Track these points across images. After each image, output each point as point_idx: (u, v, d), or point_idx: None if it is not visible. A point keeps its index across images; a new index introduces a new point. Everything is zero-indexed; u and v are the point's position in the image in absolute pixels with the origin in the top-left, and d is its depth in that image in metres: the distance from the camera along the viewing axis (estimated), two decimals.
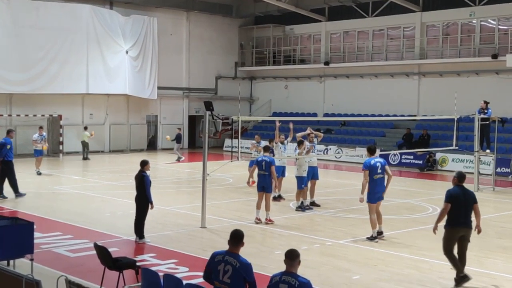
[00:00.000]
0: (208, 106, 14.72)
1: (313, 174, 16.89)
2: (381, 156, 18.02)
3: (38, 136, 23.70)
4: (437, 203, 18.18)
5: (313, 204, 17.00)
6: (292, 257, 6.30)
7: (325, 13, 36.64)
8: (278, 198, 17.72)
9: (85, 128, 30.84)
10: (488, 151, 21.70)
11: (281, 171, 17.83)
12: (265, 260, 10.59)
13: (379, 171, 12.69)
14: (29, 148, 25.64)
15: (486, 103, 21.48)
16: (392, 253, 11.88)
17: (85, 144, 29.93)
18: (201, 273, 7.11)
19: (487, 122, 21.30)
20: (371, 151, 13.04)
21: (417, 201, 18.61)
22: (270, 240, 13.16)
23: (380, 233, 13.05)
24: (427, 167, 27.91)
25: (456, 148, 20.23)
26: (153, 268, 8.98)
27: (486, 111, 21.23)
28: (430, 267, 10.89)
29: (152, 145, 36.46)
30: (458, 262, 9.64)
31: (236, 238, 6.78)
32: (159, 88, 35.28)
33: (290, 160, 19.51)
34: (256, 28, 40.11)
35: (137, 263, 9.25)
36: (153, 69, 34.96)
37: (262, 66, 39.60)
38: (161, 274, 7.76)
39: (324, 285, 9.61)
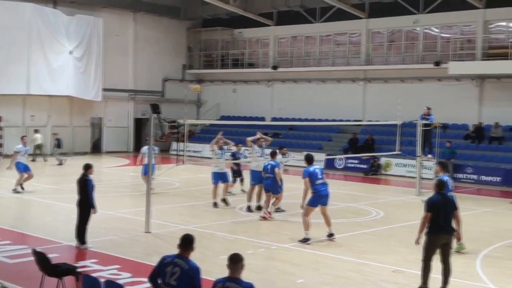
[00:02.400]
0: (155, 109, 14.55)
1: (260, 178, 16.96)
2: (327, 160, 18.28)
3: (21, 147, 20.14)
4: (381, 207, 18.52)
5: (259, 208, 17.02)
6: (235, 261, 6.26)
7: (274, 17, 36.84)
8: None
9: (36, 131, 30.13)
10: (430, 156, 22.18)
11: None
12: (209, 265, 10.50)
13: (319, 176, 13.08)
14: None
15: (429, 109, 21.98)
16: (335, 256, 11.98)
17: (39, 147, 29.34)
18: (145, 279, 7.01)
19: (430, 128, 21.78)
20: (309, 160, 13.40)
21: (362, 205, 18.86)
22: (215, 245, 13.08)
23: (331, 235, 13.33)
24: (372, 172, 28.37)
25: (400, 153, 20.63)
26: (95, 274, 8.79)
27: (428, 117, 21.70)
28: (371, 270, 11.03)
29: (96, 148, 35.79)
30: (428, 275, 9.49)
31: (186, 242, 6.74)
32: (104, 90, 34.68)
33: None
34: (204, 31, 39.98)
35: (78, 269, 9.02)
36: (98, 70, 34.35)
37: (210, 69, 39.50)
38: (102, 280, 7.59)
39: None
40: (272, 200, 16.32)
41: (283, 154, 17.54)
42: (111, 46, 35.37)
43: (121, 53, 36.37)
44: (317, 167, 13.38)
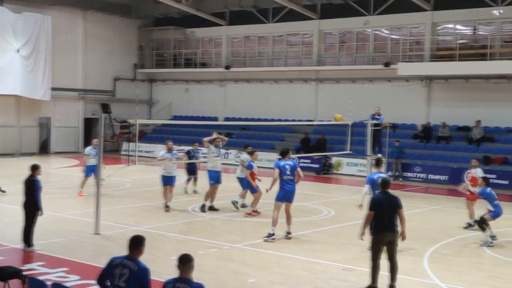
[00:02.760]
0: (105, 108, 14.31)
1: (217, 178, 17.01)
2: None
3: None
4: (332, 206, 18.72)
5: (211, 208, 16.97)
6: (184, 261, 6.19)
7: (226, 17, 36.79)
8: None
9: None
10: (379, 155, 22.47)
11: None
12: (160, 266, 10.39)
13: (288, 172, 13.32)
14: None
15: (379, 109, 22.31)
16: (287, 255, 12.03)
17: None
18: (94, 281, 6.88)
19: (379, 128, 22.12)
20: (282, 154, 13.81)
21: (313, 204, 19.01)
22: (166, 246, 12.96)
23: (288, 233, 13.59)
24: (323, 171, 28.66)
25: (350, 152, 20.86)
26: (42, 277, 8.61)
27: (378, 117, 22.03)
28: (322, 268, 11.13)
29: (44, 149, 35.00)
30: (377, 273, 9.60)
31: (135, 243, 6.60)
32: (53, 89, 33.97)
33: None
34: (156, 30, 39.63)
35: (24, 272, 8.80)
36: (46, 69, 33.62)
37: (162, 68, 39.17)
38: (49, 283, 7.43)
39: None
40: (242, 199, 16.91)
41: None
42: (60, 45, 34.67)
43: (71, 51, 35.71)
44: (289, 162, 13.53)
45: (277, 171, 13.36)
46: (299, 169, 13.63)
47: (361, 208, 12.30)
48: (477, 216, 14.30)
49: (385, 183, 9.99)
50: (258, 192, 16.56)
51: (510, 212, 17.17)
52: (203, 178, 21.25)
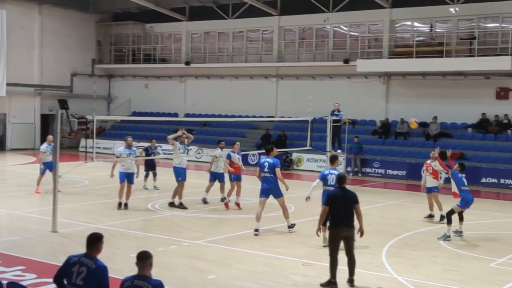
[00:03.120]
0: (63, 104, 14.06)
1: (184, 174, 16.95)
2: (243, 156, 18.44)
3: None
4: (292, 201, 18.74)
5: (180, 205, 16.91)
6: (142, 259, 6.15)
7: (186, 12, 36.57)
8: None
9: None
10: (339, 151, 22.72)
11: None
12: (119, 264, 10.28)
13: (266, 170, 13.75)
14: None
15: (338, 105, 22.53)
16: (247, 251, 12.06)
17: None
18: (51, 280, 6.76)
19: (339, 124, 22.32)
20: (266, 151, 14.34)
21: (273, 199, 18.98)
22: (125, 243, 12.83)
23: (290, 226, 14.17)
24: (284, 167, 28.73)
25: (310, 148, 20.98)
26: None
27: (338, 113, 22.22)
28: (282, 263, 11.18)
29: (0, 146, 34.27)
30: (336, 268, 9.66)
31: (93, 240, 6.51)
32: (7, 84, 33.22)
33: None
34: (114, 25, 39.13)
35: None
36: (1, 64, 32.89)
37: (121, 64, 38.71)
38: (5, 282, 7.25)
39: (180, 286, 9.55)
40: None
41: (222, 148, 17.90)
42: (15, 39, 33.97)
43: (27, 46, 35.01)
44: (269, 160, 13.85)
45: (258, 169, 14.00)
46: (277, 169, 13.89)
47: (308, 201, 12.87)
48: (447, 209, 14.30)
49: (341, 179, 10.08)
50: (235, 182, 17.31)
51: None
52: (165, 174, 21.22)
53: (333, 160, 12.74)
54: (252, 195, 17.53)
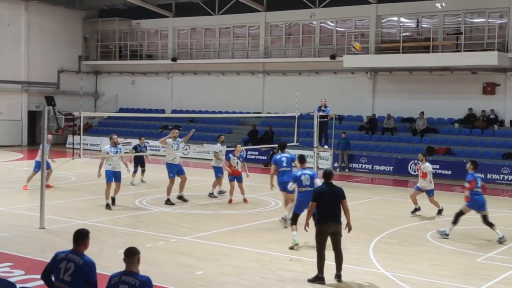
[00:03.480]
0: (50, 101, 14.00)
1: (176, 171, 16.92)
2: (228, 152, 18.49)
3: None
4: (279, 197, 18.80)
5: (180, 198, 17.16)
6: (130, 255, 6.18)
7: (172, 8, 36.48)
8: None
9: None
10: (326, 147, 22.82)
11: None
12: (107, 260, 10.29)
13: (284, 164, 14.21)
14: None
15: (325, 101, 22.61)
16: (235, 247, 12.09)
17: None
18: (39, 276, 6.77)
19: (326, 120, 22.40)
20: (280, 148, 15.08)
21: (261, 195, 19.12)
22: (113, 239, 12.82)
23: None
24: (271, 163, 28.76)
25: (297, 144, 21.03)
26: None
27: (325, 109, 22.30)
28: (270, 259, 11.23)
29: None
30: (323, 263, 9.72)
31: (79, 236, 6.53)
32: None
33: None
34: (101, 22, 38.95)
35: None
36: None
37: (108, 60, 38.54)
38: None
39: (167, 282, 9.56)
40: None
41: (222, 142, 18.10)
42: (2, 36, 33.86)
43: (13, 43, 34.81)
44: (286, 155, 14.39)
45: (272, 166, 14.49)
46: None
47: (272, 189, 14.17)
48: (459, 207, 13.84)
49: (328, 175, 10.11)
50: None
51: (453, 202, 17.72)
52: (153, 171, 21.23)
53: (302, 160, 12.75)
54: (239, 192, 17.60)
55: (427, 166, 16.06)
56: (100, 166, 16.09)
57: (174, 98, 36.64)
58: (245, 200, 17.55)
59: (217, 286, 9.55)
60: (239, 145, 18.43)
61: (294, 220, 12.10)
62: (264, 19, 33.33)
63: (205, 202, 17.55)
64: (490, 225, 13.26)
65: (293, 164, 14.08)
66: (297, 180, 12.29)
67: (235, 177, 17.43)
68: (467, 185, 13.24)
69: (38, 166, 18.39)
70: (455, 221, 13.38)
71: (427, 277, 10.34)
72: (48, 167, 18.42)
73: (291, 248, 11.82)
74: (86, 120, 36.33)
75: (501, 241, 13.02)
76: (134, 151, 21.00)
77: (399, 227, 14.71)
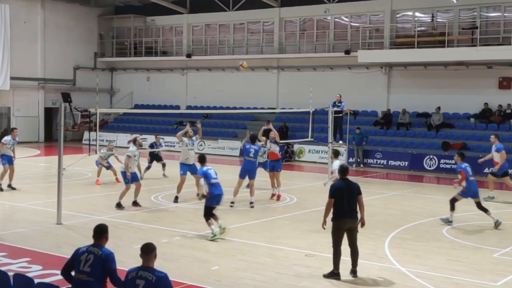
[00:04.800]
0: (66, 97, 14.10)
1: (186, 170, 16.75)
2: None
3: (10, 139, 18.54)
4: (294, 192, 18.91)
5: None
6: (147, 251, 6.26)
7: (187, 5, 36.57)
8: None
9: None
10: (341, 142, 22.78)
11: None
12: (123, 255, 10.37)
13: (251, 154, 16.12)
14: None
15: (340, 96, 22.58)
16: (250, 242, 12.15)
17: None
18: (56, 271, 6.90)
19: (340, 115, 22.37)
20: (252, 139, 16.43)
21: (275, 191, 19.09)
22: (129, 235, 12.92)
23: (251, 203, 15.91)
24: (286, 158, 28.80)
25: (312, 139, 21.05)
26: (3, 268, 8.52)
27: (339, 104, 22.27)
28: (285, 254, 11.26)
29: None
30: (339, 259, 9.74)
31: (99, 231, 6.78)
32: (12, 78, 33.40)
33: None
34: (116, 18, 39.16)
35: None
36: (5, 58, 33.03)
37: (123, 57, 38.75)
38: (11, 274, 7.38)
39: (183, 277, 9.63)
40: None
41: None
42: (18, 34, 34.11)
43: (30, 40, 35.13)
44: (254, 147, 16.15)
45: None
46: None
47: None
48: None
49: (344, 170, 10.11)
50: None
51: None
52: (174, 167, 21.41)
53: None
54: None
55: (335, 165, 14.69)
56: (127, 168, 15.60)
57: (188, 94, 36.75)
58: (278, 197, 17.45)
59: (232, 281, 9.61)
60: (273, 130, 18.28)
61: (208, 215, 12.28)
62: (278, 15, 33.31)
63: None
64: (485, 210, 14.18)
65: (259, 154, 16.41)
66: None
67: (273, 163, 17.44)
68: (459, 176, 14.18)
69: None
70: (452, 208, 14.25)
71: (443, 272, 10.32)
72: (109, 166, 19.83)
73: (212, 240, 12.04)
74: (102, 117, 36.62)
75: (496, 225, 13.95)
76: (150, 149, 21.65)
77: (415, 223, 14.68)
